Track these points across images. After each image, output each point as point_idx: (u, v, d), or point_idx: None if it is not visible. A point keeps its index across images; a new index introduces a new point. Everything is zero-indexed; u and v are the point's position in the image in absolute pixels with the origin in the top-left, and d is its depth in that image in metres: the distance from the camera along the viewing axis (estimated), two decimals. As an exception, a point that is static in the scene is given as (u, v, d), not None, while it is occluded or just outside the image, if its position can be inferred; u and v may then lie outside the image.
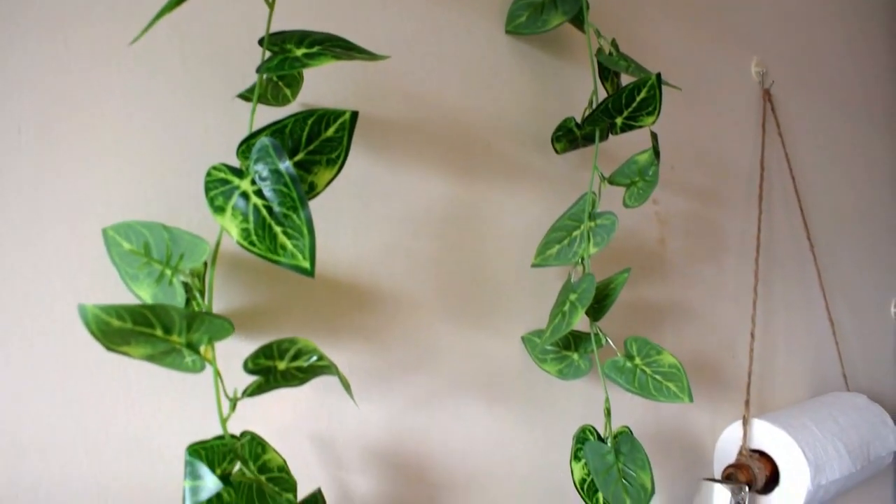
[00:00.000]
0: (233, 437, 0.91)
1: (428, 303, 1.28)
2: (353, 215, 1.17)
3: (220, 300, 1.05)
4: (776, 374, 1.75)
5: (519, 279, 1.29)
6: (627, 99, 1.13)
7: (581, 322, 1.22)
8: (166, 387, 0.99)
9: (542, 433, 1.31)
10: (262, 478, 0.99)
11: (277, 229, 0.88)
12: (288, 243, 0.88)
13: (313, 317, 1.16)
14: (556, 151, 1.33)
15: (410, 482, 1.48)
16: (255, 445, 1.00)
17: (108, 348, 0.78)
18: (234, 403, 0.89)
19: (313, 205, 1.13)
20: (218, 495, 0.88)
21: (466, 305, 1.29)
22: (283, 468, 1.04)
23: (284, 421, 1.16)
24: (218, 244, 0.90)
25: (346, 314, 1.20)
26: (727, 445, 1.59)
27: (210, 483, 0.83)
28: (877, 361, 2.05)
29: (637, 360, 1.17)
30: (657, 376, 1.14)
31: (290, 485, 1.04)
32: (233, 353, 1.02)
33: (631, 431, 1.17)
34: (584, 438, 1.18)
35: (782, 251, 1.76)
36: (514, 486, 1.29)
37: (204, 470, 0.84)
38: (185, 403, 1.00)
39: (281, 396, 1.19)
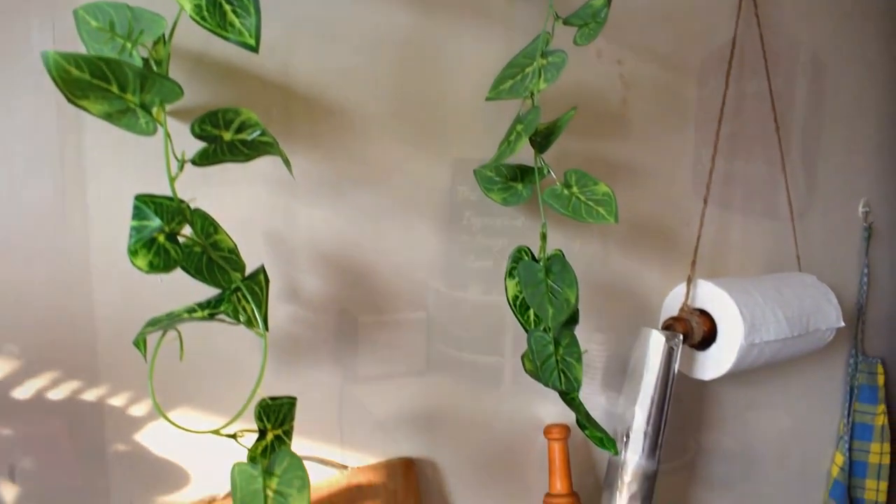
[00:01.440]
0: (182, 202, 1.00)
1: (384, 125, 1.36)
2: (313, 34, 1.25)
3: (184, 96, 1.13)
4: (730, 248, 1.83)
5: (474, 112, 1.37)
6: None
7: (529, 157, 1.30)
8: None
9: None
10: (212, 251, 1.09)
11: (227, 7, 0.96)
12: (236, 21, 0.96)
13: (271, 121, 1.24)
14: (520, -4, 1.39)
15: (354, 287, 1.59)
16: (206, 224, 1.10)
17: (70, 100, 0.87)
18: (181, 164, 0.97)
19: (272, 13, 1.20)
20: (165, 250, 0.98)
21: (421, 132, 1.37)
22: (234, 251, 1.14)
23: (239, 214, 1.26)
24: (176, 22, 0.98)
25: (303, 124, 1.29)
26: (673, 302, 1.68)
27: (155, 223, 0.92)
28: (839, 258, 2.11)
29: (574, 189, 1.24)
30: (590, 202, 1.22)
31: (238, 266, 1.14)
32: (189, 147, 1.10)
33: (563, 255, 1.25)
34: (518, 258, 1.27)
35: (748, 131, 1.81)
36: (452, 301, 1.39)
37: (150, 213, 0.93)
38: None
39: (236, 192, 1.29)
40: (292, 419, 1.07)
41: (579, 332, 1.32)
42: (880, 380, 2.18)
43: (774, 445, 1.84)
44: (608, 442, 1.24)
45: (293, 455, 1.00)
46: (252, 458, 1.00)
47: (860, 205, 2.18)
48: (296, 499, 0.97)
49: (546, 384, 1.23)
